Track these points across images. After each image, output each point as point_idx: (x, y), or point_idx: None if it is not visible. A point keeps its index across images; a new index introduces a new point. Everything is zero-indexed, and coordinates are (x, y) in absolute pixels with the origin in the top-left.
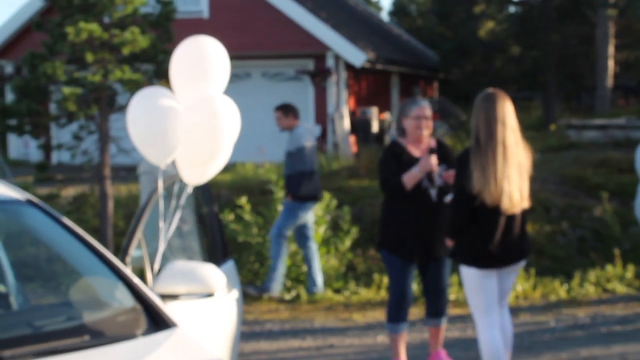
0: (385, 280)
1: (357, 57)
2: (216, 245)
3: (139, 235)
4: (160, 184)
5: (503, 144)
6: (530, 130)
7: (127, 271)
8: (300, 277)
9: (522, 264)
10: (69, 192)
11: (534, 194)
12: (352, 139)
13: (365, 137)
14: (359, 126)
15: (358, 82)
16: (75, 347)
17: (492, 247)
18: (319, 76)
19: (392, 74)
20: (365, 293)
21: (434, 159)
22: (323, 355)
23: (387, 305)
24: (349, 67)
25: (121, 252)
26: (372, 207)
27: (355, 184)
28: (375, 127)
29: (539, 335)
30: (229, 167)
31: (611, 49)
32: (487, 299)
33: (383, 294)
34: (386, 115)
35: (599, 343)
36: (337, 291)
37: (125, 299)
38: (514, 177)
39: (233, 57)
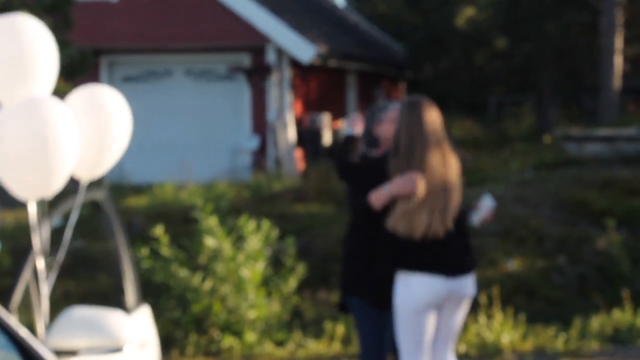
0: (340, 330)
1: (305, 50)
2: (126, 287)
3: (26, 276)
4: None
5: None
6: (520, 142)
7: (12, 322)
8: (232, 326)
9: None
10: None
11: (524, 221)
12: (298, 153)
13: (314, 151)
14: (307, 137)
15: (306, 83)
16: None
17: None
18: (257, 75)
19: (349, 73)
20: (314, 346)
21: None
22: None
23: None
24: (295, 63)
25: (5, 297)
26: (323, 239)
27: (303, 209)
28: (327, 139)
29: None
30: (143, 189)
31: (618, 42)
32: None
33: (337, 348)
34: (341, 123)
35: None
36: (280, 344)
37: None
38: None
39: (149, 50)
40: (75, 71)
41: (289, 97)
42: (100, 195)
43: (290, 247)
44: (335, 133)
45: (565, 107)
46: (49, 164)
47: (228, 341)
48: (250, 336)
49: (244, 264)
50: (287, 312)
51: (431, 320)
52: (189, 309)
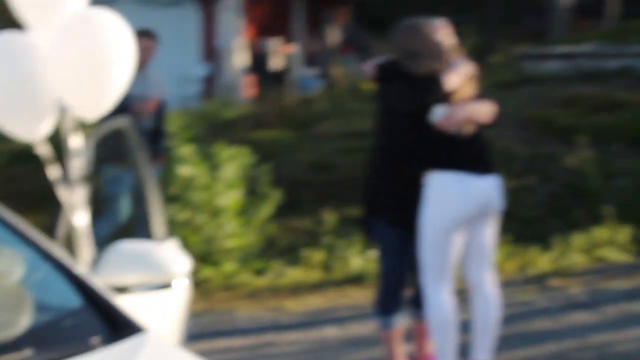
0: (317, 257)
1: None
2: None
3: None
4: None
5: None
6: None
7: (63, 255)
8: (209, 257)
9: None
10: None
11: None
12: (250, 79)
13: (264, 77)
14: (259, 63)
15: (257, 7)
16: None
17: None
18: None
19: None
20: (293, 274)
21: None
22: (261, 357)
23: (378, 293)
24: None
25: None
26: (290, 165)
27: (264, 135)
28: (275, 64)
29: (530, 318)
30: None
31: None
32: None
33: (315, 275)
34: (290, 48)
35: (611, 327)
36: (259, 272)
37: (68, 296)
38: None
39: None
40: None
41: (239, 22)
42: (123, 123)
43: (266, 174)
44: (285, 58)
45: (506, 27)
46: (105, 80)
47: (206, 272)
48: (229, 266)
49: (221, 192)
50: (263, 240)
51: (459, 240)
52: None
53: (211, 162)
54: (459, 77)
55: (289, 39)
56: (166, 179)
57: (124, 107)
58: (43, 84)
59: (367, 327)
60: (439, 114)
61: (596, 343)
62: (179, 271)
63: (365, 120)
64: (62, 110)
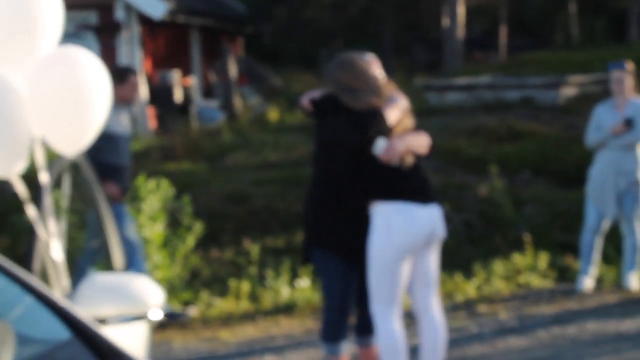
0: (245, 287)
1: (156, 6)
2: (112, 250)
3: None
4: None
5: None
6: None
7: (45, 288)
8: None
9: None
10: None
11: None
12: (150, 111)
13: (166, 108)
14: (159, 95)
15: (154, 40)
16: None
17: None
18: (107, 32)
19: (193, 29)
20: (223, 305)
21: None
22: None
23: (323, 321)
24: (143, 20)
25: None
26: (204, 197)
27: (175, 167)
28: (178, 96)
29: (466, 343)
30: None
31: None
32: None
33: (245, 305)
34: (190, 80)
35: (546, 350)
36: (187, 304)
37: (55, 328)
38: None
39: None
40: None
41: (138, 54)
42: (79, 158)
43: (187, 206)
44: (185, 90)
45: (397, 59)
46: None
47: None
48: None
49: (145, 225)
50: (187, 271)
51: (406, 268)
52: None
53: (132, 195)
54: (399, 111)
55: (187, 71)
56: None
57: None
58: (21, 121)
59: (305, 355)
60: (380, 146)
61: None
62: (154, 303)
63: (273, 151)
64: (36, 146)
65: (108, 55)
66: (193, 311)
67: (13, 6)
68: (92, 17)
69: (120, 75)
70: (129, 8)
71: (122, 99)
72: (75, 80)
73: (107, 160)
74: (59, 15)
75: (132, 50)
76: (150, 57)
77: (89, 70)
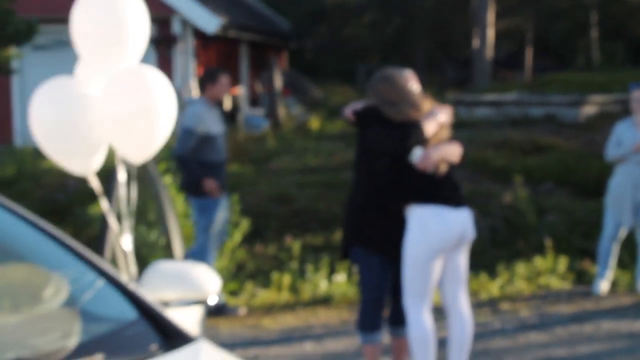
0: (286, 279)
1: (210, 22)
2: (174, 242)
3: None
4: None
5: None
6: None
7: (115, 272)
8: None
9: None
10: None
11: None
12: None
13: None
14: None
15: (207, 52)
16: None
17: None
18: (164, 44)
19: (242, 43)
20: (265, 295)
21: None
22: None
23: (359, 312)
24: (198, 33)
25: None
26: (252, 196)
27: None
28: (227, 104)
29: (489, 337)
30: None
31: (491, 16)
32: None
33: (286, 297)
34: (239, 90)
35: (563, 345)
36: (233, 294)
37: (124, 309)
38: None
39: (58, 21)
40: (21, 39)
41: (192, 65)
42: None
43: (235, 204)
44: (234, 99)
45: (431, 76)
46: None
47: None
48: None
49: None
50: (234, 264)
51: (438, 266)
52: (145, 264)
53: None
54: (436, 124)
55: (236, 81)
56: (144, 206)
57: None
58: (92, 127)
59: (341, 344)
60: (417, 155)
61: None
62: (212, 289)
63: (314, 157)
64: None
65: (164, 65)
66: (243, 311)
67: (110, 19)
68: (151, 30)
69: (212, 76)
70: (185, 23)
71: (214, 97)
72: (146, 94)
73: (205, 159)
74: (145, 30)
75: (186, 61)
76: (203, 68)
77: (159, 87)
